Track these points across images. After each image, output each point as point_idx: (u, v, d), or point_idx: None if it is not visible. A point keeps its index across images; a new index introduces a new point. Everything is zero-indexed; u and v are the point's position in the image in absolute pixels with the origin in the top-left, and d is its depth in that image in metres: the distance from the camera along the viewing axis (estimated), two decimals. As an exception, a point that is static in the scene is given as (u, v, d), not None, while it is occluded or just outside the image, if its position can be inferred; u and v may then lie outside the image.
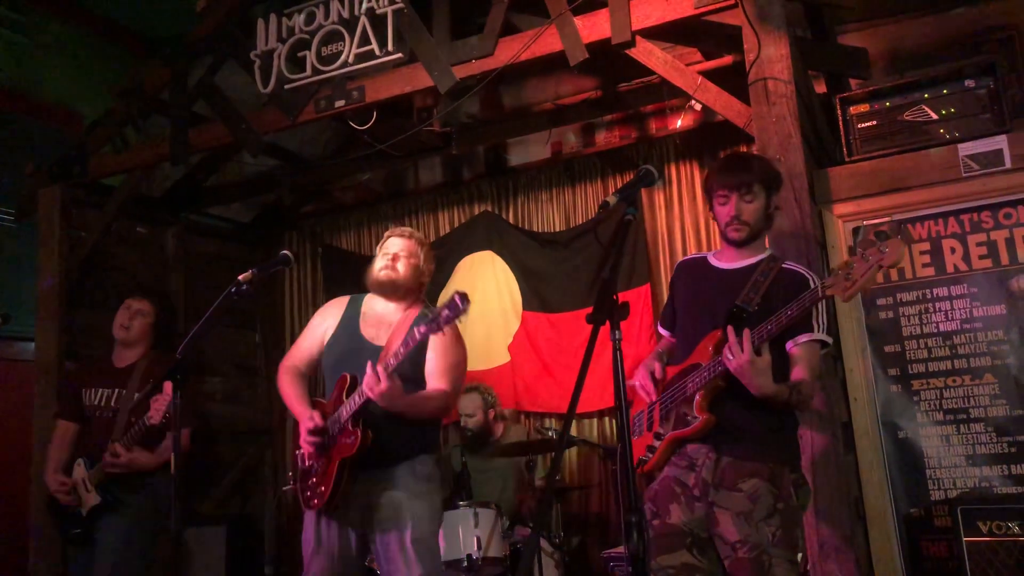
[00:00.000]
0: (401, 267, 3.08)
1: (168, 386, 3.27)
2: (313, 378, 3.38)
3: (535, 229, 5.52)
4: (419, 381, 2.99)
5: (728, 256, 2.63)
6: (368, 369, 2.74)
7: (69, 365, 4.49)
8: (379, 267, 3.09)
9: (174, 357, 3.88)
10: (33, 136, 5.57)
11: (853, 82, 3.99)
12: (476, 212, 5.69)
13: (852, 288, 2.15)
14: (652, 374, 2.61)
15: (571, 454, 5.09)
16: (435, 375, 3.00)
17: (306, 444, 2.92)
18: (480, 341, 5.43)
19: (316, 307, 6.16)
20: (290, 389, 3.08)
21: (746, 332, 2.29)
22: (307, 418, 2.91)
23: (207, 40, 4.47)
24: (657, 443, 2.53)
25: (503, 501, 4.38)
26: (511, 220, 5.58)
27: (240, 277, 2.72)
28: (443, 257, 5.69)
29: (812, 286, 2.45)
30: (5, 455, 4.67)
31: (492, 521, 3.99)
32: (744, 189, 2.52)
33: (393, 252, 3.10)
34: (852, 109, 3.54)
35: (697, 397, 2.43)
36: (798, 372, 2.43)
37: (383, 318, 3.10)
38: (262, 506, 6.04)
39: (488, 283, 5.49)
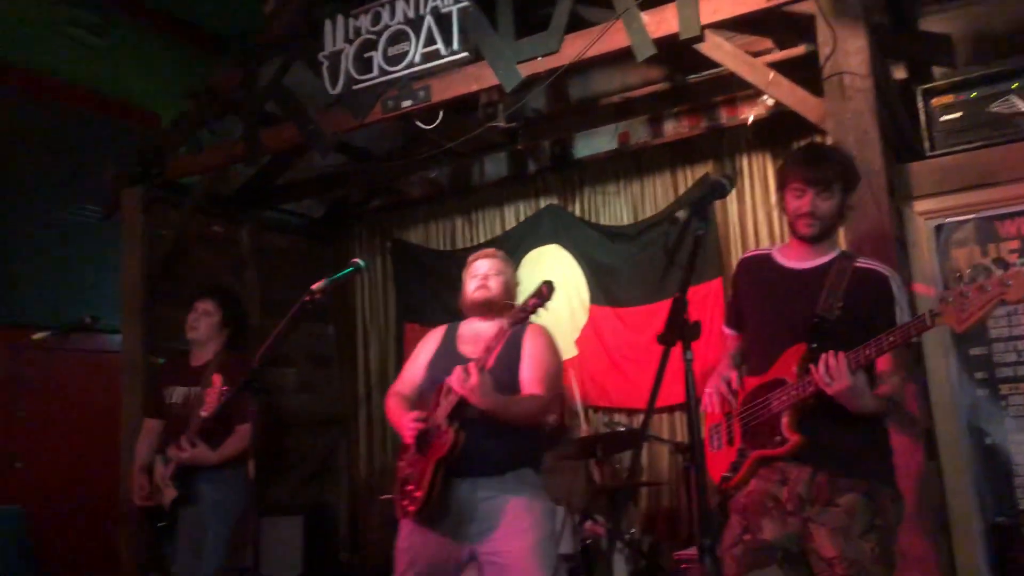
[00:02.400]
0: (493, 285, 3.17)
1: (217, 378, 3.45)
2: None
3: (602, 222, 5.46)
4: (514, 388, 2.98)
5: (797, 254, 2.53)
6: (457, 368, 2.77)
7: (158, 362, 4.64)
8: (472, 288, 3.19)
9: (244, 355, 4.02)
10: (112, 136, 5.76)
11: (936, 70, 3.82)
12: (542, 206, 5.66)
13: (969, 320, 2.03)
14: (728, 384, 2.55)
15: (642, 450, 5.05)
16: (530, 382, 3.00)
17: (410, 432, 2.90)
18: (548, 335, 5.42)
19: (386, 299, 6.34)
20: (393, 407, 3.15)
21: (842, 357, 2.21)
22: (411, 417, 2.93)
23: (276, 42, 4.54)
24: (741, 459, 2.47)
25: (572, 498, 4.39)
26: (577, 213, 5.54)
27: (313, 287, 2.77)
28: (508, 252, 5.66)
29: (892, 285, 2.39)
30: (99, 442, 4.86)
31: (562, 519, 4.00)
32: (823, 186, 2.42)
33: (483, 272, 3.20)
34: (934, 101, 3.39)
35: (785, 417, 2.35)
36: (888, 376, 2.35)
37: (479, 335, 3.11)
38: (337, 494, 6.20)
39: (554, 277, 5.39)
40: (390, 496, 3.11)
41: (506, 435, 2.92)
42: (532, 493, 2.97)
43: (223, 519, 3.75)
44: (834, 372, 2.20)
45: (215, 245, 5.62)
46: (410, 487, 2.93)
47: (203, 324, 3.98)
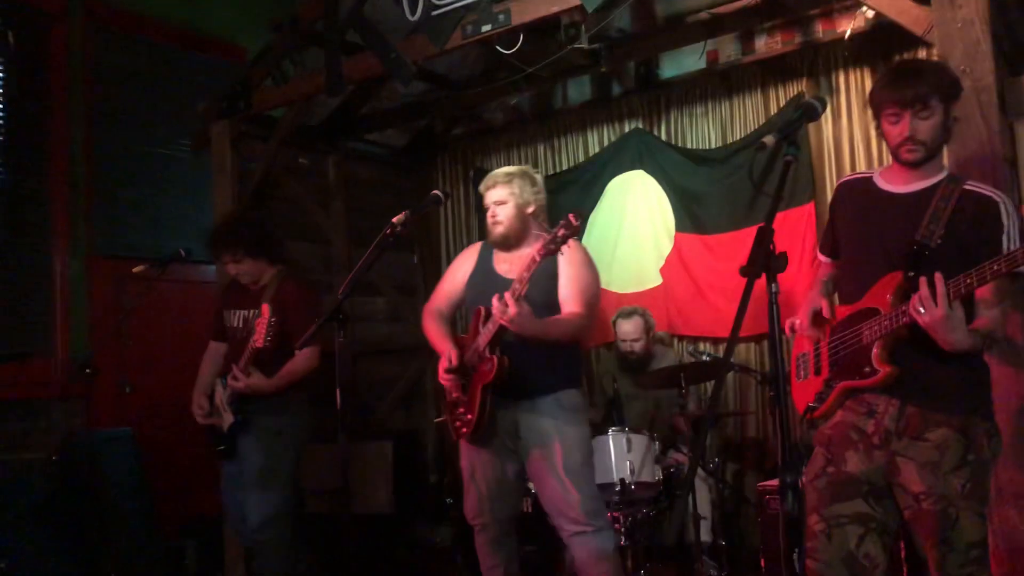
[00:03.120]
0: (502, 216, 3.18)
1: (266, 308, 3.49)
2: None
3: (689, 146, 5.30)
4: (552, 307, 3.06)
5: (899, 178, 2.37)
6: (495, 298, 2.83)
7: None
8: (489, 225, 3.22)
9: (299, 282, 3.92)
10: (203, 70, 5.87)
11: (1058, -29, 3.49)
12: (626, 130, 5.52)
13: None
14: (818, 314, 2.46)
15: (727, 379, 4.99)
16: (568, 299, 3.07)
17: (444, 380, 3.10)
18: (631, 263, 5.36)
19: (469, 229, 6.36)
20: (433, 329, 3.28)
21: (940, 283, 2.07)
22: (445, 357, 3.09)
23: (355, -31, 4.49)
24: (827, 390, 2.39)
25: (655, 426, 4.39)
26: (663, 137, 5.38)
27: (394, 219, 2.80)
28: (592, 178, 5.62)
29: (1002, 210, 2.22)
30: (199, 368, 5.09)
31: (645, 446, 4.01)
32: (919, 105, 2.23)
33: (490, 206, 3.21)
34: (1056, 6, 3.10)
35: (876, 348, 2.25)
36: (988, 308, 2.21)
37: (514, 252, 3.20)
38: (424, 419, 6.37)
39: (639, 204, 5.37)
40: (443, 419, 3.26)
41: (543, 359, 3.02)
42: (567, 418, 3.06)
43: (284, 449, 3.74)
44: (928, 301, 2.08)
45: (302, 177, 5.72)
46: (460, 410, 3.09)
47: (241, 271, 3.87)
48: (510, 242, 3.19)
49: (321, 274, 5.68)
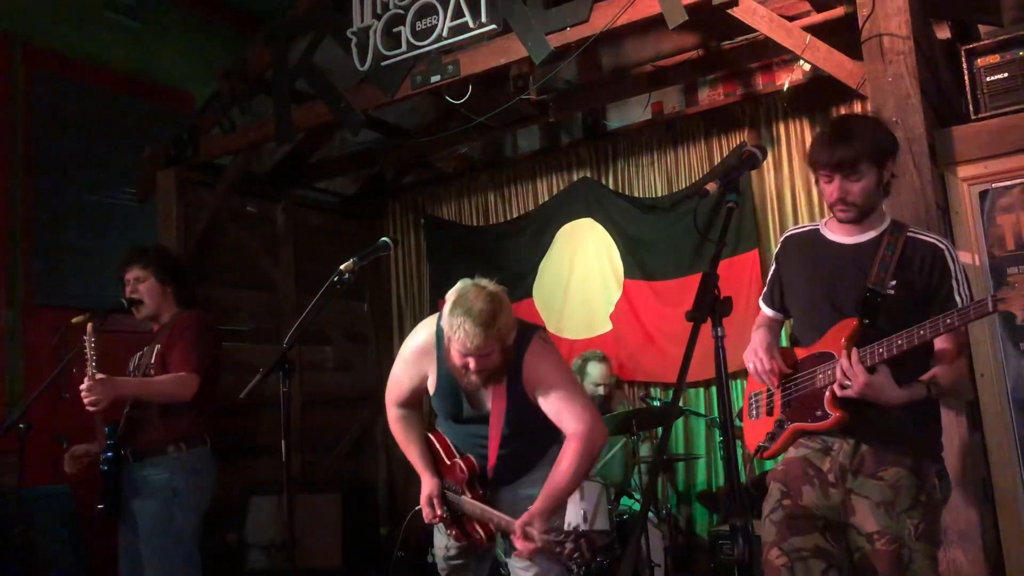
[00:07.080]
0: (490, 369, 2.60)
1: (89, 327, 3.30)
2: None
3: (636, 194, 5.40)
4: (544, 423, 2.69)
5: (844, 229, 2.41)
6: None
7: None
8: (466, 380, 2.64)
9: (199, 312, 3.77)
10: (149, 117, 5.79)
11: (982, 29, 3.67)
12: (575, 178, 5.62)
13: None
14: (774, 359, 2.47)
15: (677, 425, 5.01)
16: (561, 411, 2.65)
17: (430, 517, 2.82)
18: (581, 310, 5.40)
19: (420, 276, 6.34)
20: (411, 445, 2.92)
21: (855, 354, 2.17)
22: (427, 503, 2.81)
23: (305, 18, 4.52)
24: (779, 430, 2.42)
25: (608, 474, 4.37)
26: (611, 186, 5.48)
27: (342, 267, 2.75)
28: (542, 226, 5.68)
29: (948, 257, 2.28)
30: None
31: (597, 494, 3.99)
32: (848, 169, 2.28)
33: (474, 361, 2.54)
34: (980, 61, 3.25)
35: (828, 393, 2.28)
36: (942, 364, 2.26)
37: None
38: (375, 469, 6.25)
39: (588, 251, 5.43)
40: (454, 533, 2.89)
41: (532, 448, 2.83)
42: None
43: (180, 510, 3.37)
44: (849, 373, 2.17)
45: (250, 225, 5.66)
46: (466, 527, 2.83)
47: (142, 290, 3.65)
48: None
49: (268, 322, 5.59)
